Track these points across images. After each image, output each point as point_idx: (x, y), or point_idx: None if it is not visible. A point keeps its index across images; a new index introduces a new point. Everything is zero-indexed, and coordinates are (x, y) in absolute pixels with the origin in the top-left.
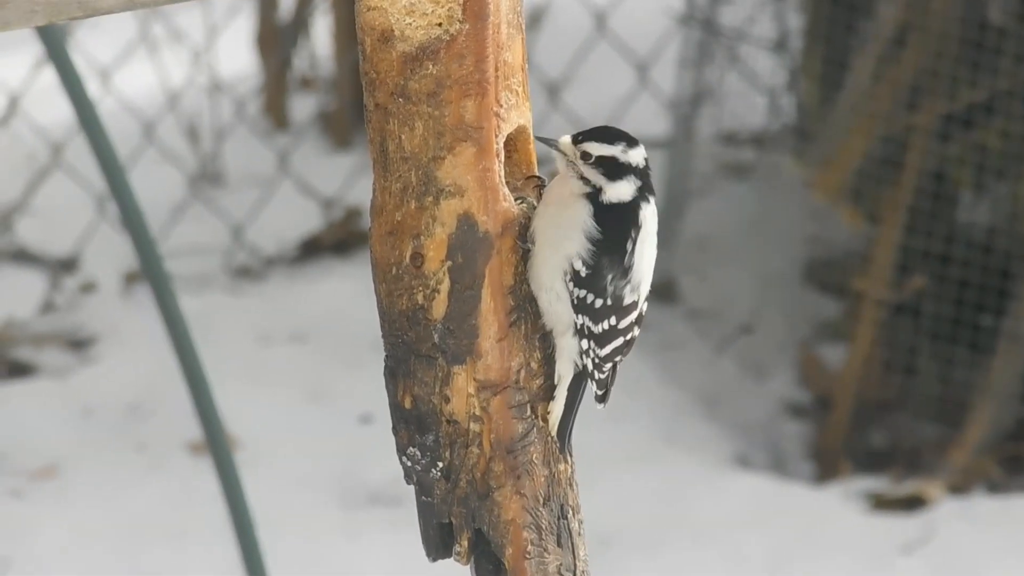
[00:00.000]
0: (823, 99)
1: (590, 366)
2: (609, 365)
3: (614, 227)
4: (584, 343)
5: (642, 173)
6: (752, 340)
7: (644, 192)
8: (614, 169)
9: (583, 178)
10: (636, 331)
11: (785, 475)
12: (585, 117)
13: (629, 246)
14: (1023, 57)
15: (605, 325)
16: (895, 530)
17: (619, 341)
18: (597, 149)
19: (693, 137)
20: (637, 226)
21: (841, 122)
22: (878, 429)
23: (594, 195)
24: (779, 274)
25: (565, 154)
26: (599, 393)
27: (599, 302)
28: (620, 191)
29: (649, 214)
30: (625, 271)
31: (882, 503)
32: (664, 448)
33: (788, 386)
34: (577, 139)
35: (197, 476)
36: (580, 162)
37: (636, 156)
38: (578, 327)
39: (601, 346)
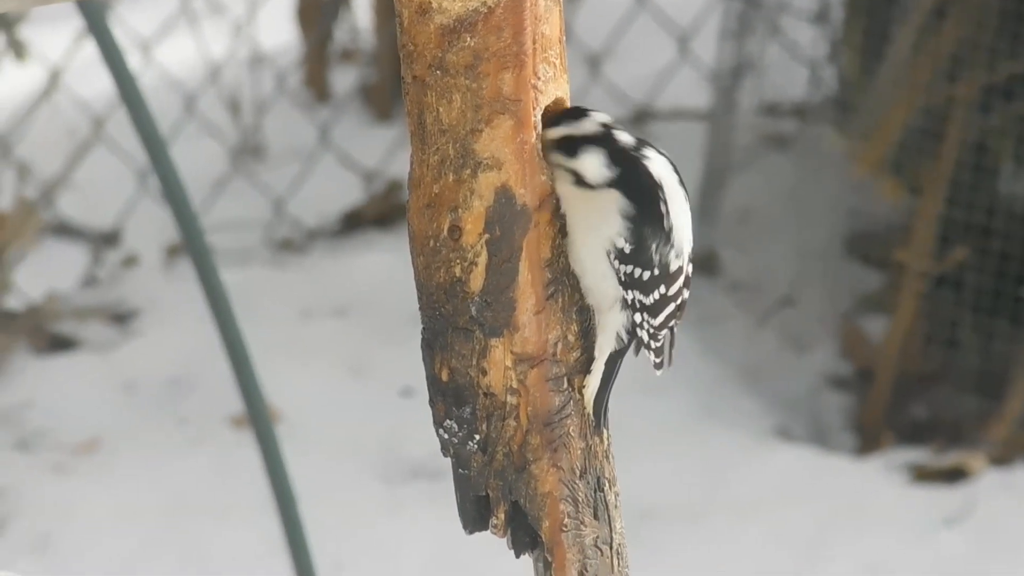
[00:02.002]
0: (864, 71)
1: (645, 337)
2: (664, 332)
3: (640, 195)
4: (637, 316)
5: (601, 138)
6: (793, 313)
7: (621, 152)
8: (569, 147)
9: (558, 165)
10: (686, 294)
11: (826, 448)
12: (625, 90)
13: (663, 208)
14: None
15: (656, 295)
16: (937, 502)
17: (671, 307)
18: (551, 133)
19: (734, 109)
20: (657, 184)
21: (882, 94)
22: (919, 401)
23: (580, 180)
24: (820, 246)
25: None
26: (656, 361)
27: (647, 274)
28: (588, 164)
29: (660, 166)
30: (667, 236)
31: (924, 475)
32: (704, 421)
33: (829, 359)
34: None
35: (239, 450)
36: (552, 151)
37: (586, 126)
38: (629, 302)
39: (655, 316)
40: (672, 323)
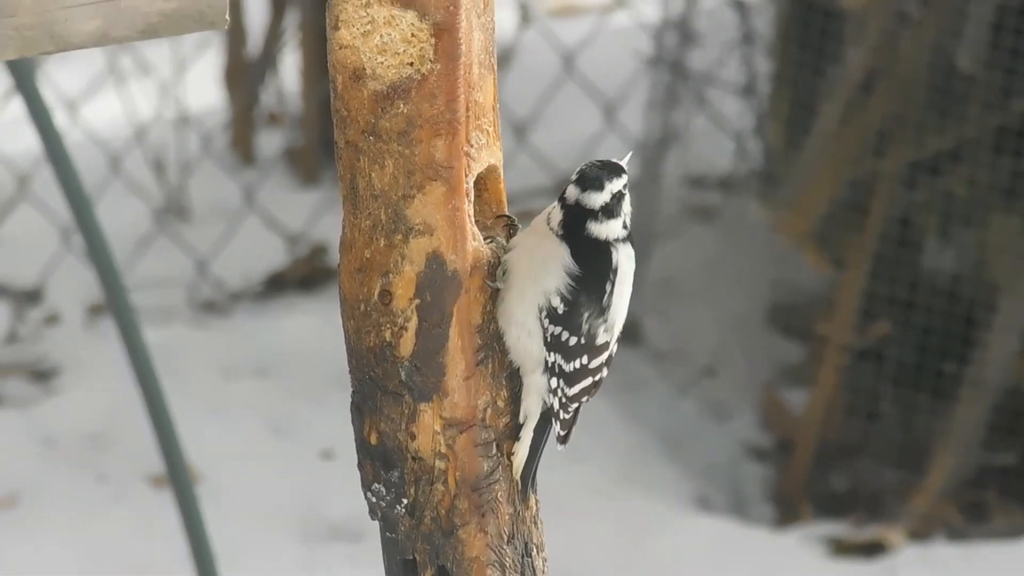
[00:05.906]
0: (790, 143)
1: (556, 405)
2: (575, 405)
3: (593, 265)
4: (553, 381)
5: (599, 212)
6: (715, 382)
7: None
8: (614, 207)
9: (577, 213)
10: (605, 372)
11: (745, 518)
12: (553, 157)
13: (608, 286)
14: (991, 104)
15: (577, 364)
16: (855, 575)
17: (588, 381)
18: (569, 193)
19: (660, 179)
20: (613, 268)
21: (808, 166)
22: (839, 473)
23: (566, 235)
24: (743, 317)
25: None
26: (561, 433)
27: (573, 340)
28: (615, 229)
29: (624, 257)
30: (602, 310)
31: (842, 548)
32: (625, 488)
33: (750, 428)
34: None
35: (158, 508)
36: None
37: (592, 199)
38: (549, 364)
39: (570, 385)
40: (585, 398)
